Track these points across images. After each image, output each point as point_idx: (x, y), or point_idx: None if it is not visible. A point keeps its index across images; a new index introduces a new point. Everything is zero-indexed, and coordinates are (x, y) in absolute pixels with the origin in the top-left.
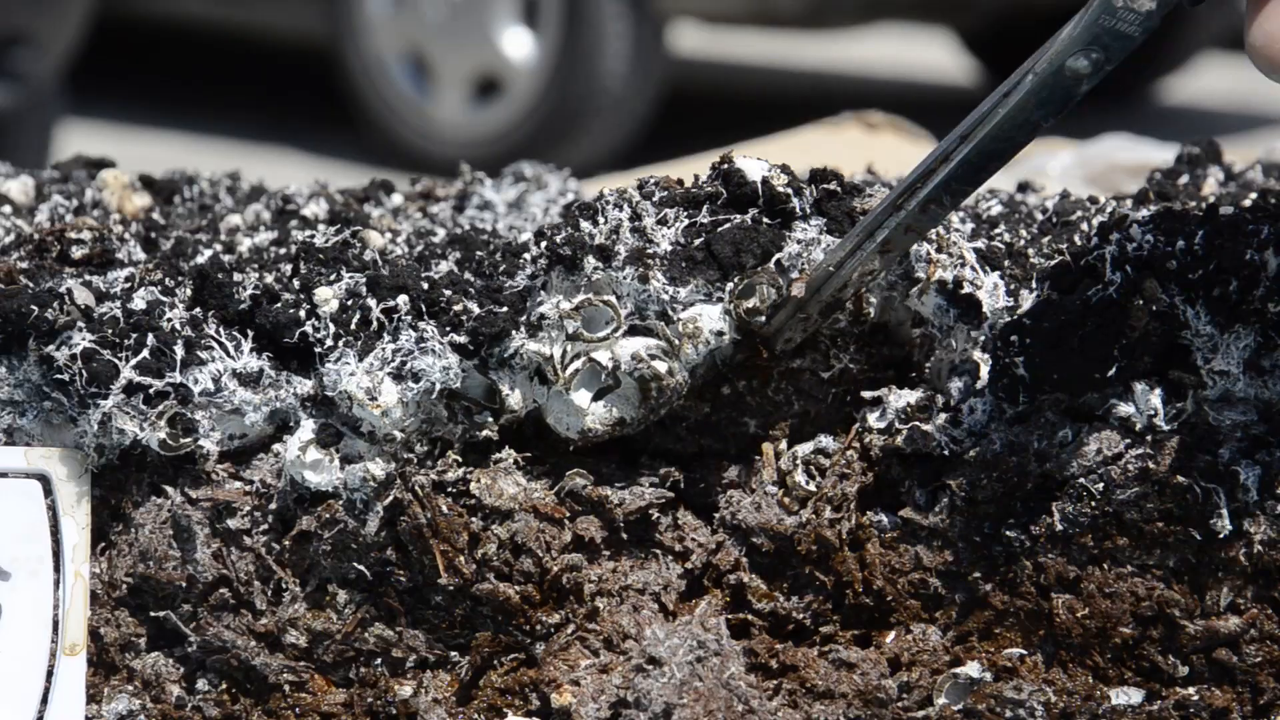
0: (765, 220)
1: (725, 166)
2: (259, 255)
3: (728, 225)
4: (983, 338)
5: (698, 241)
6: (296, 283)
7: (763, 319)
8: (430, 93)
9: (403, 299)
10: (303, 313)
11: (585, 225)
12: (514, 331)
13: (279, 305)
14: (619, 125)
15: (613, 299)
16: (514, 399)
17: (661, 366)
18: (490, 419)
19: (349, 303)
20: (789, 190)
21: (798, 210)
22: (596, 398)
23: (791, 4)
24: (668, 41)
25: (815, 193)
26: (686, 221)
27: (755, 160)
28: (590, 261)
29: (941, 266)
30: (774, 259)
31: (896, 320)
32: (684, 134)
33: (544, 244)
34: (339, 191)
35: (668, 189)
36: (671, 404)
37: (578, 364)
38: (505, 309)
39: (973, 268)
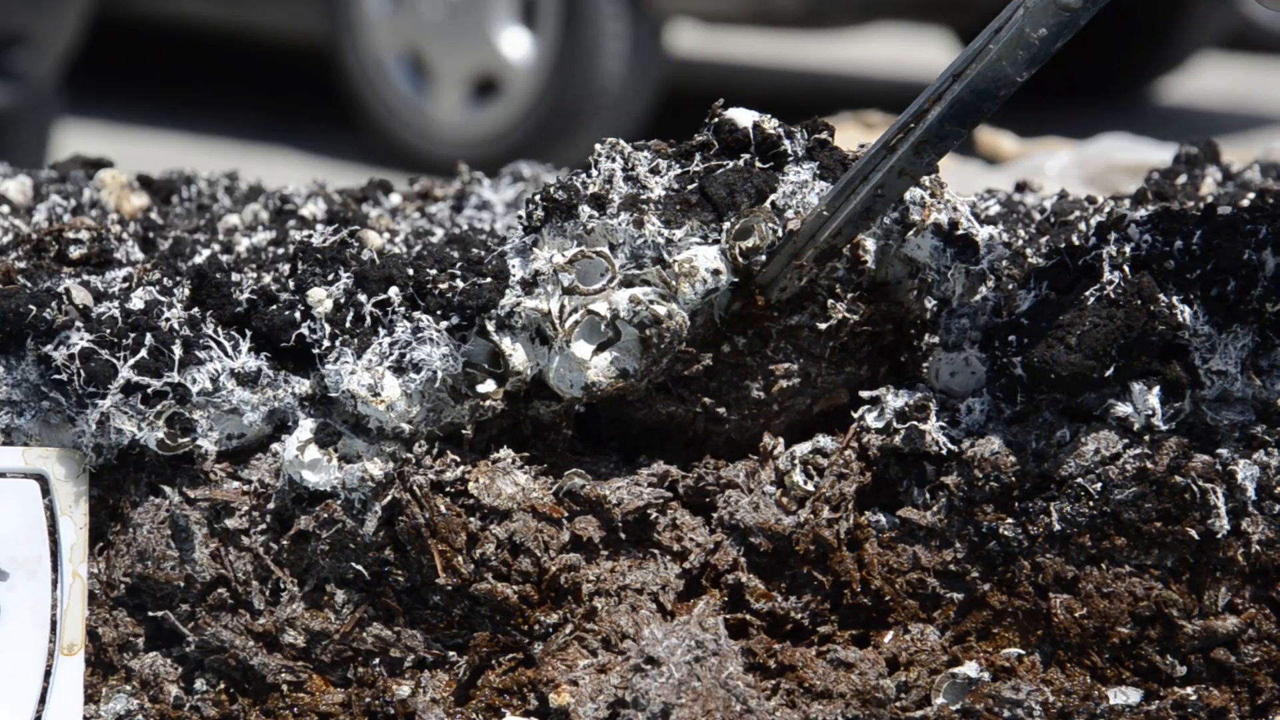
0: (758, 164)
1: (715, 117)
2: (257, 255)
3: (721, 169)
4: (982, 272)
5: (691, 186)
6: (292, 283)
7: (762, 257)
8: (428, 93)
9: (393, 290)
10: (298, 314)
11: (580, 177)
12: (505, 293)
13: (275, 307)
14: (617, 125)
15: (606, 250)
16: (517, 358)
17: (660, 309)
18: (494, 385)
19: (343, 300)
20: (780, 132)
21: (790, 153)
22: (597, 353)
23: (790, 4)
24: (666, 41)
25: (807, 139)
26: (679, 170)
27: (745, 110)
28: (585, 210)
29: (936, 210)
30: (768, 200)
31: (895, 277)
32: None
33: (539, 196)
34: (337, 191)
35: (659, 149)
36: (673, 351)
37: (576, 316)
38: (489, 279)
39: (967, 218)
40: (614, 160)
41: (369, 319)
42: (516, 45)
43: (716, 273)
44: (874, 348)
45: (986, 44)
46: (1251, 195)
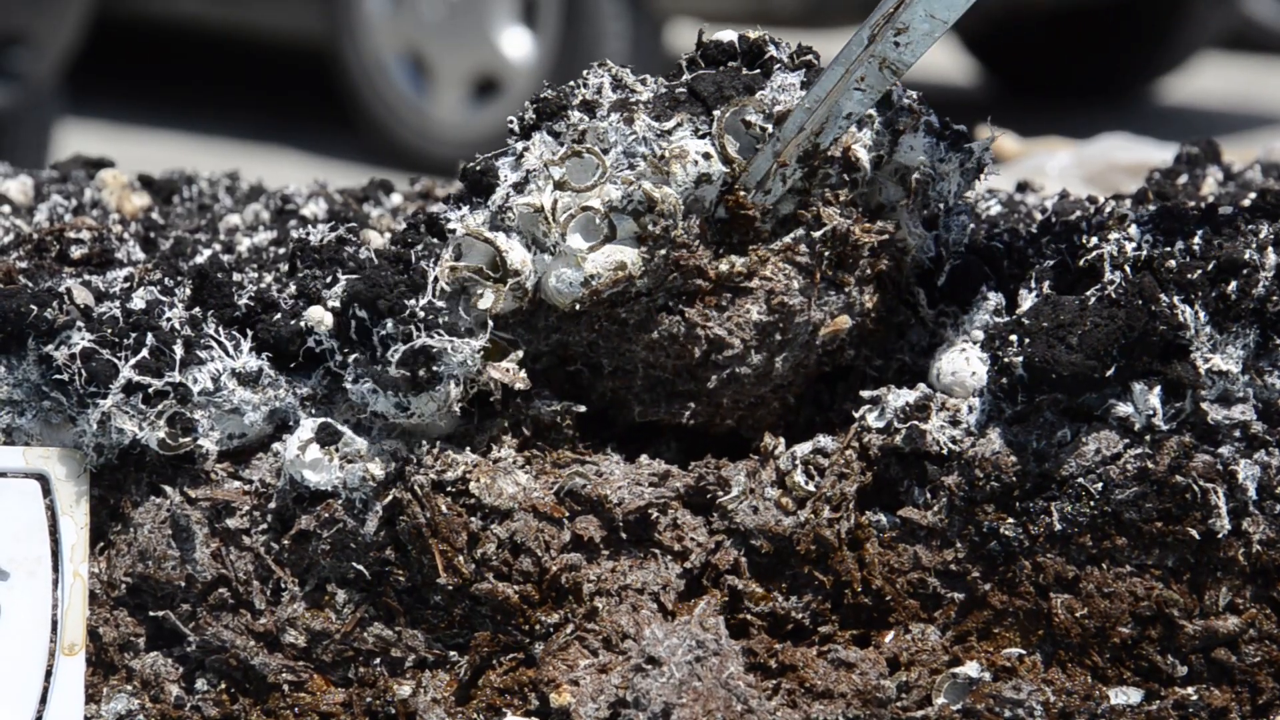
0: (745, 70)
1: (700, 37)
2: (258, 255)
3: (708, 72)
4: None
5: (680, 88)
6: (293, 286)
7: (755, 140)
8: (429, 92)
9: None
10: (304, 324)
11: (569, 87)
12: (494, 190)
13: (279, 317)
14: None
15: (597, 149)
16: (514, 255)
17: (654, 191)
18: (492, 298)
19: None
20: (765, 38)
21: (776, 59)
22: (594, 250)
23: (789, 3)
24: (666, 41)
25: (793, 49)
26: (668, 82)
27: (730, 30)
28: (575, 114)
29: (925, 114)
30: (757, 94)
31: (889, 200)
32: None
33: (528, 101)
34: (338, 191)
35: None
36: (669, 240)
37: (571, 211)
38: (479, 178)
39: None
40: (602, 75)
41: (378, 344)
42: (517, 45)
43: (707, 156)
44: (874, 273)
45: None
46: (1253, 195)
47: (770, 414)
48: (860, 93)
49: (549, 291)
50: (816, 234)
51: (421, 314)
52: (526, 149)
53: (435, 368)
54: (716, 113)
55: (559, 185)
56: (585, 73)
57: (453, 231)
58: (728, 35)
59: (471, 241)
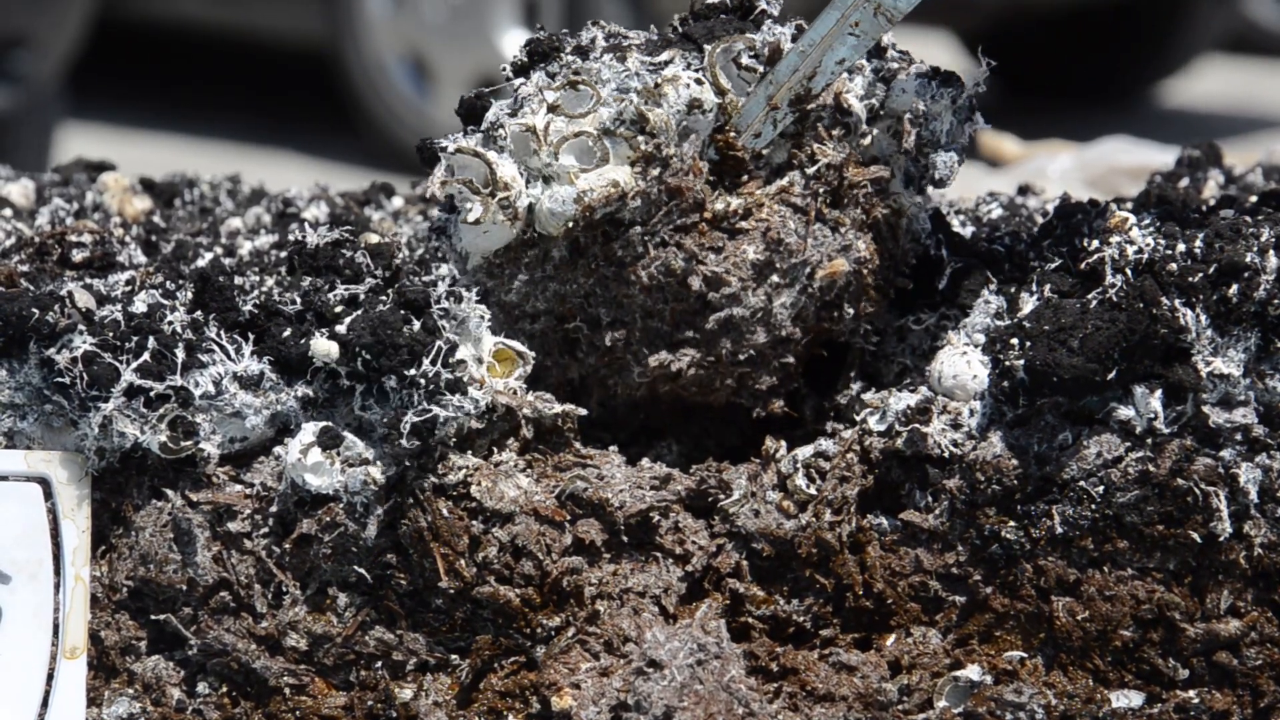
0: (737, 21)
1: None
2: (260, 258)
3: (700, 21)
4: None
5: (672, 33)
6: (297, 298)
7: (747, 84)
8: (430, 94)
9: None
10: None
11: (562, 34)
12: (486, 112)
13: (287, 335)
14: None
15: (592, 81)
16: (504, 170)
17: (648, 110)
18: (480, 209)
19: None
20: None
21: (767, 14)
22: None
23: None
24: None
25: (783, 5)
26: (660, 31)
27: None
28: (569, 56)
29: (917, 64)
30: (746, 34)
31: (882, 152)
32: None
33: (522, 44)
34: (339, 194)
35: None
36: (662, 159)
37: (564, 133)
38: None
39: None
40: (595, 30)
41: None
42: (518, 46)
43: (699, 82)
44: (869, 219)
45: None
46: (1254, 198)
47: (770, 374)
48: (854, 38)
49: (543, 217)
50: (810, 170)
51: (425, 382)
52: (522, 85)
53: (444, 429)
54: (708, 48)
55: (552, 108)
56: (580, 30)
57: (444, 150)
58: None
59: (463, 159)
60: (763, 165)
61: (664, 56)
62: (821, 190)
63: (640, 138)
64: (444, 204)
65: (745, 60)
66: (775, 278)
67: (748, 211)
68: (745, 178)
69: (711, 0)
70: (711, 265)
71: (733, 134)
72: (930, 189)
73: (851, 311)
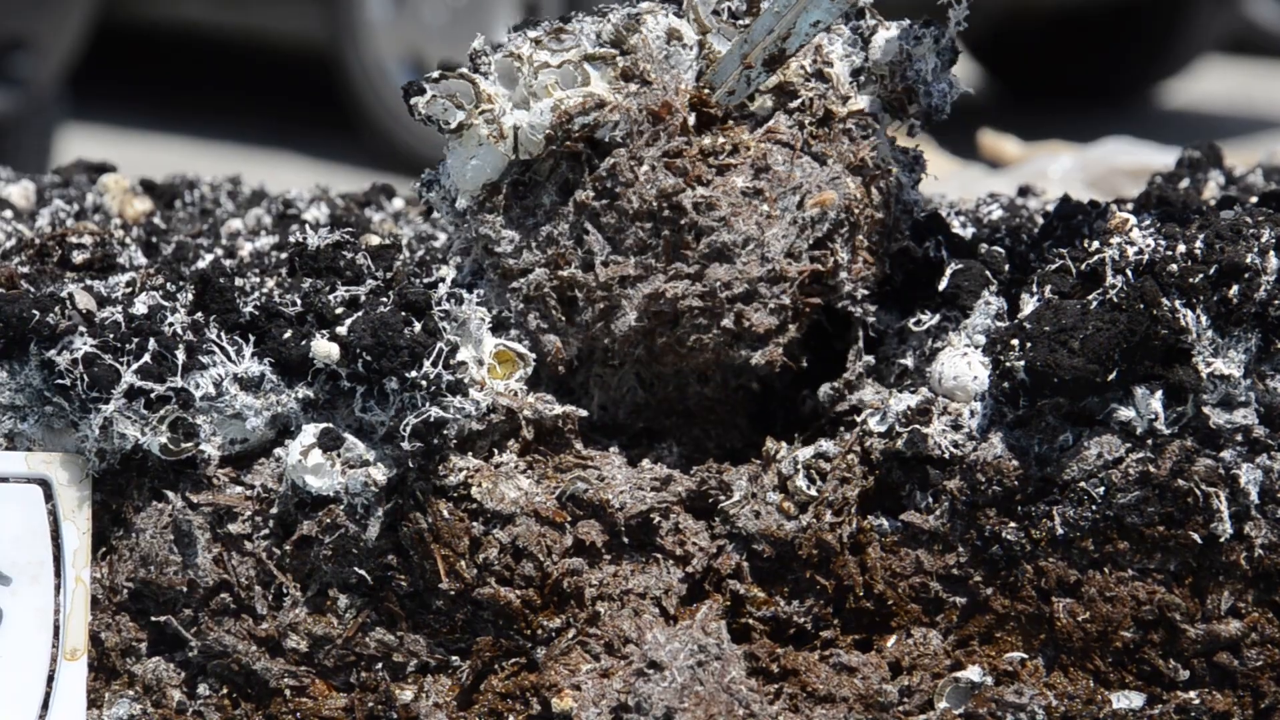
0: None
1: None
2: (260, 260)
3: None
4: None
5: None
6: (298, 299)
7: (726, 36)
8: None
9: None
10: (311, 356)
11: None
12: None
13: (288, 336)
14: None
15: (573, 29)
16: (488, 86)
17: (627, 33)
18: (462, 114)
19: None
20: None
21: None
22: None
23: None
24: None
25: None
26: None
27: None
28: (549, 21)
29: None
30: None
31: (869, 109)
32: None
33: (508, 28)
34: (340, 196)
35: None
36: (640, 73)
37: (547, 61)
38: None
39: None
40: (581, 16)
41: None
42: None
43: (679, 16)
44: (857, 159)
45: None
46: (1254, 199)
47: (769, 314)
48: (829, 1)
49: (524, 137)
50: (793, 104)
51: (426, 384)
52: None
53: (445, 431)
54: None
55: (536, 42)
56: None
57: (429, 78)
58: None
59: (449, 84)
60: (747, 114)
61: (644, 6)
62: (807, 122)
63: (619, 56)
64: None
65: (725, 16)
66: (765, 206)
67: (734, 148)
68: (730, 123)
69: None
70: (701, 191)
71: (707, 90)
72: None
73: (845, 257)
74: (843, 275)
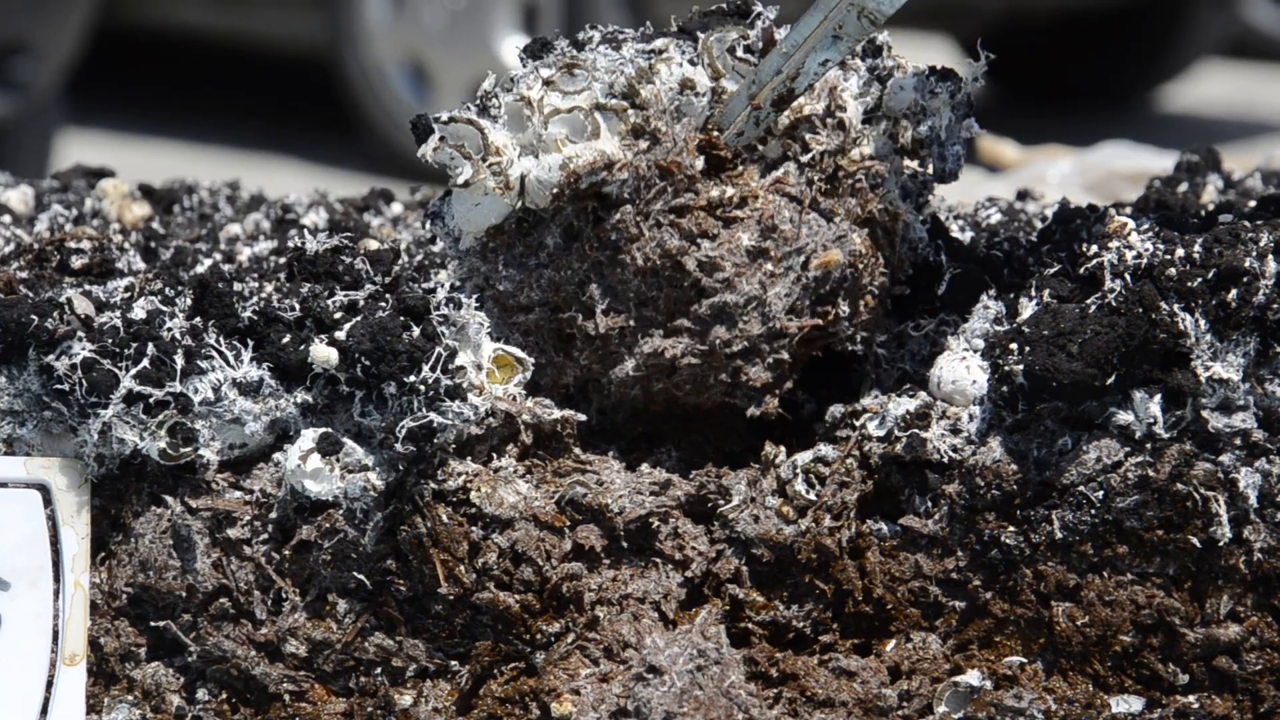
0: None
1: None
2: (259, 264)
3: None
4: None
5: (669, 29)
6: (296, 304)
7: (740, 73)
8: (430, 100)
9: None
10: (310, 361)
11: (556, 33)
12: (484, 83)
13: (287, 341)
14: None
15: (586, 66)
16: (495, 136)
17: (638, 84)
18: (470, 170)
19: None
20: None
21: (762, 15)
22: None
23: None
24: None
25: (780, 12)
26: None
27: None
28: (563, 45)
29: (913, 63)
30: (742, 27)
31: (880, 152)
32: None
33: (520, 49)
34: (339, 201)
35: None
36: (651, 131)
37: (557, 106)
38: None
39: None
40: (593, 31)
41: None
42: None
43: (693, 63)
44: (864, 213)
45: None
46: (1253, 203)
47: (765, 370)
48: (837, 40)
49: (531, 188)
50: (804, 159)
51: (424, 389)
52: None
53: (439, 438)
54: (702, 36)
55: (547, 83)
56: (578, 31)
57: (438, 120)
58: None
59: (457, 129)
60: (757, 158)
61: (658, 44)
62: (816, 178)
63: (630, 110)
64: (436, 204)
65: (740, 52)
66: (770, 265)
67: (743, 200)
68: (739, 168)
69: (711, 8)
70: (706, 250)
71: (716, 132)
72: (936, 188)
73: (847, 309)
74: (843, 324)
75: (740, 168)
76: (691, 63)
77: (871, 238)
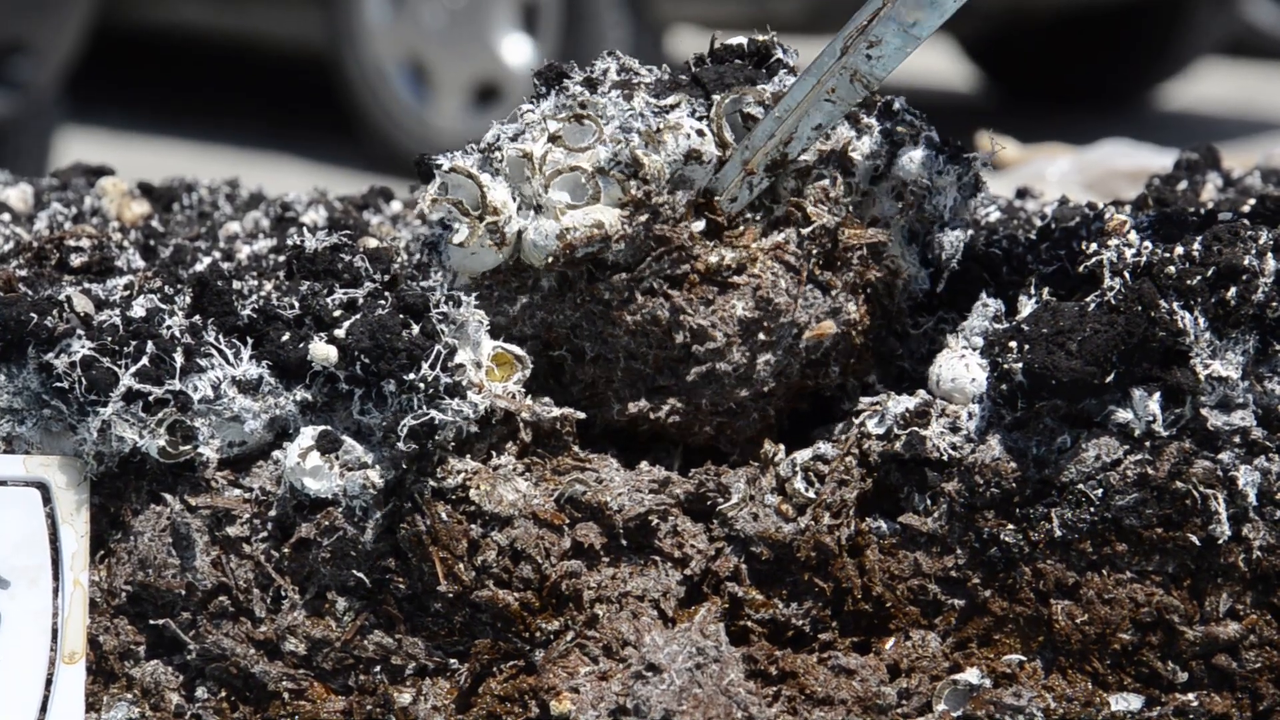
0: (750, 69)
1: (711, 41)
2: (258, 262)
3: (713, 64)
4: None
5: (684, 76)
6: (296, 302)
7: (746, 137)
8: (429, 100)
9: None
10: (309, 359)
11: (572, 64)
12: (488, 133)
13: (286, 339)
14: None
15: (597, 117)
16: (495, 195)
17: (643, 155)
18: (467, 232)
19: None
20: (773, 40)
21: (784, 63)
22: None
23: (790, 9)
24: (667, 47)
25: (800, 58)
26: (672, 71)
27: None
28: (576, 87)
29: (925, 128)
30: (758, 85)
31: (884, 215)
32: None
33: (535, 73)
34: (338, 199)
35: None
36: (653, 206)
37: (558, 166)
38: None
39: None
40: (609, 62)
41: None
42: (517, 52)
43: (701, 133)
44: (862, 282)
45: None
46: (1252, 201)
47: (750, 427)
48: (831, 104)
49: (527, 247)
50: (805, 230)
51: (424, 386)
52: (529, 111)
53: (440, 435)
54: (716, 98)
55: (553, 138)
56: (596, 60)
57: (439, 167)
58: (738, 39)
59: (457, 178)
60: (761, 216)
61: (670, 100)
62: (815, 251)
63: (632, 182)
64: (434, 235)
65: (753, 110)
66: (761, 335)
67: (741, 266)
68: (741, 228)
69: (730, 43)
70: (698, 318)
71: (713, 197)
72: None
73: (838, 370)
74: (834, 379)
75: (741, 227)
76: (700, 133)
77: (869, 301)
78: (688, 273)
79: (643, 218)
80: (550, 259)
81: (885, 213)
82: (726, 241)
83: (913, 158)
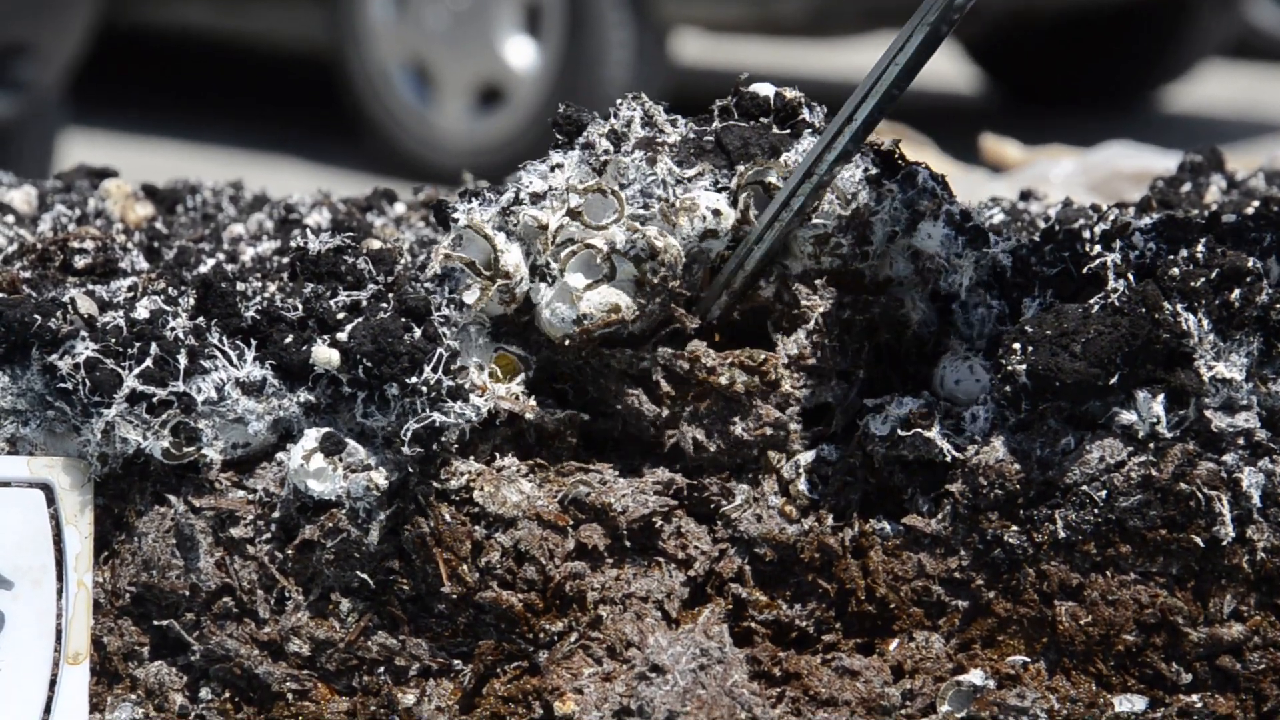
0: (775, 129)
1: (738, 87)
2: (262, 264)
3: (737, 125)
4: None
5: (708, 136)
6: (299, 304)
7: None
8: (433, 101)
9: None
10: (312, 363)
11: (599, 120)
12: (506, 191)
13: (290, 341)
14: None
15: (617, 189)
16: (508, 259)
17: (658, 241)
18: (478, 293)
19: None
20: (800, 99)
21: (809, 123)
22: (591, 288)
23: (793, 12)
24: (670, 50)
25: (825, 115)
26: (697, 126)
27: (768, 84)
28: (602, 143)
29: (947, 202)
30: (781, 157)
31: (899, 275)
32: None
33: (557, 118)
34: (342, 201)
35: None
36: (667, 289)
37: (574, 247)
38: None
39: (976, 213)
40: (634, 109)
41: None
42: (521, 54)
43: (717, 213)
44: (870, 345)
45: (889, 65)
46: (1256, 203)
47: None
48: (802, 216)
49: (542, 322)
50: (795, 311)
51: (426, 389)
52: (559, 165)
53: (443, 438)
54: (740, 168)
55: (572, 214)
56: (619, 102)
57: (455, 221)
58: (765, 90)
59: (471, 235)
60: (777, 310)
61: (693, 171)
62: (827, 342)
63: (648, 264)
64: (445, 268)
65: (774, 181)
66: (759, 413)
67: (750, 392)
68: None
69: (758, 96)
70: (694, 431)
71: (694, 315)
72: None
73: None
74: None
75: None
76: (716, 212)
77: (875, 353)
78: (686, 370)
79: (659, 299)
80: (567, 340)
81: (900, 272)
82: (739, 363)
83: (931, 234)
